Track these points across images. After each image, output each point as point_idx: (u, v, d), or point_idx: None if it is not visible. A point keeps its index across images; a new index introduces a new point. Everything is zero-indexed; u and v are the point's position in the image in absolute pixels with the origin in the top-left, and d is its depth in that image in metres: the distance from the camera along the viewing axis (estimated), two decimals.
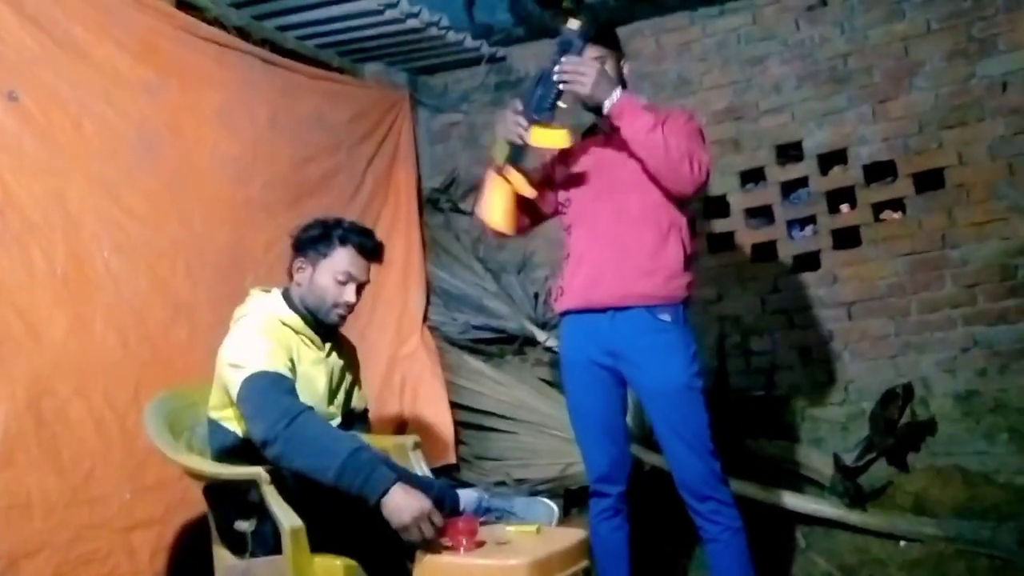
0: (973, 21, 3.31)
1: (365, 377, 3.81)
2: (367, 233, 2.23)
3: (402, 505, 1.81)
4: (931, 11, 3.38)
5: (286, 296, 2.19)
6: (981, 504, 2.96)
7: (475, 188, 4.18)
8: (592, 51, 2.19)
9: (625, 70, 2.31)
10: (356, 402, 2.38)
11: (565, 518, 2.94)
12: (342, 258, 2.16)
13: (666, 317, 2.20)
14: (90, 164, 2.53)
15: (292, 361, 2.06)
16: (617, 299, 2.20)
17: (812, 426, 3.45)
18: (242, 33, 3.31)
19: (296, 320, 2.15)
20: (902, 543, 2.92)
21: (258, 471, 1.94)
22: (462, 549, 1.78)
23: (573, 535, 1.95)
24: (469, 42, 3.94)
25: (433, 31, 3.73)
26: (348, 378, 2.33)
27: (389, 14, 3.49)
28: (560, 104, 2.12)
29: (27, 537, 2.16)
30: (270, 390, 1.94)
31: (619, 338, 2.22)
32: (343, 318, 2.20)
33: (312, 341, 2.17)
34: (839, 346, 3.48)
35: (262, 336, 2.04)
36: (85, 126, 2.53)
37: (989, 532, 2.80)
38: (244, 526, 2.00)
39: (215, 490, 2.10)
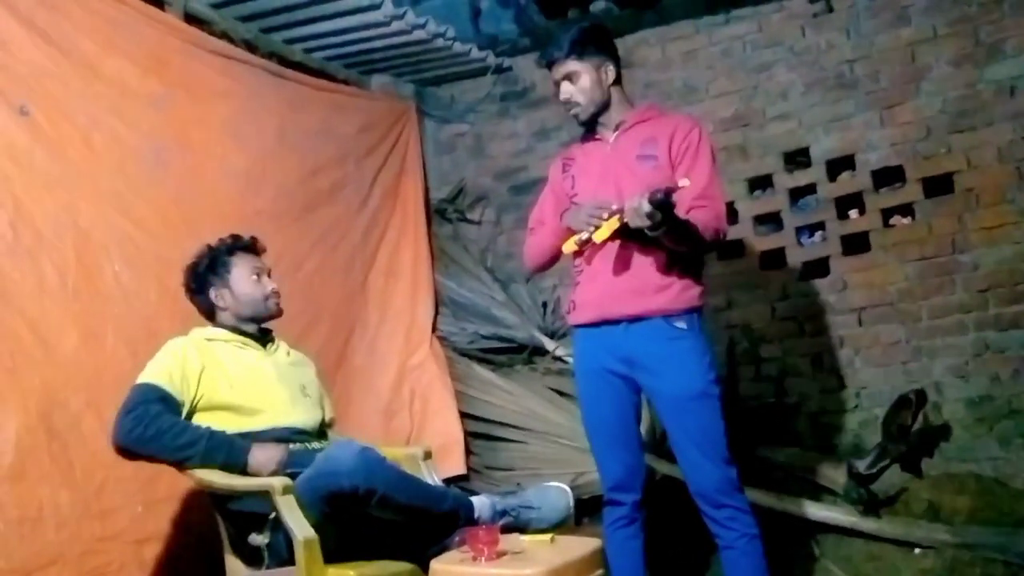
0: (980, 25, 3.30)
1: (375, 388, 3.78)
2: (238, 238, 2.41)
3: (262, 459, 2.06)
4: (937, 16, 3.37)
5: (214, 323, 2.34)
6: (996, 510, 2.93)
7: (482, 198, 4.22)
8: (583, 63, 2.22)
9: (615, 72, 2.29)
10: (327, 413, 2.43)
11: (577, 527, 2.92)
12: (242, 262, 2.35)
13: (682, 325, 2.20)
14: (100, 177, 2.55)
15: (198, 368, 2.16)
16: (633, 315, 2.21)
17: (824, 433, 3.44)
18: (249, 46, 3.33)
19: (223, 332, 2.30)
20: (917, 550, 2.90)
21: (271, 482, 1.94)
22: (483, 559, 1.77)
23: (588, 544, 1.93)
24: (475, 53, 3.95)
25: (439, 42, 3.75)
26: (314, 385, 2.41)
27: (396, 26, 3.51)
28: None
29: (39, 550, 2.16)
30: (135, 400, 2.06)
31: (635, 346, 2.22)
32: (278, 304, 2.36)
33: (247, 344, 2.30)
34: (850, 352, 3.46)
35: (165, 353, 2.17)
36: (95, 139, 2.54)
37: (1004, 538, 2.77)
38: (259, 539, 2.00)
39: (227, 502, 2.10)
